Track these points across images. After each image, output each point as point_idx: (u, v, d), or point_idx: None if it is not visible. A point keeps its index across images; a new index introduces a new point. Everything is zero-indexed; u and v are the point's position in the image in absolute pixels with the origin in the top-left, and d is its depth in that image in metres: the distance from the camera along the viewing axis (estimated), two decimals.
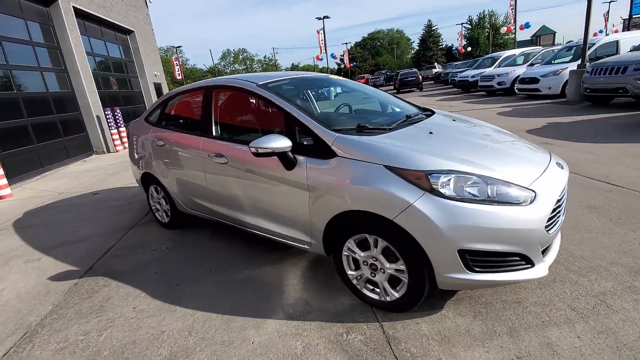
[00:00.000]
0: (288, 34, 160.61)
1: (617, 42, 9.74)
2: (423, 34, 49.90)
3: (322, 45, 24.34)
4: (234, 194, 2.60)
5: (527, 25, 26.27)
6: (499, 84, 12.59)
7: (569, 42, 13.52)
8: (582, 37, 9.29)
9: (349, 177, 1.89)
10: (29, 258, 3.31)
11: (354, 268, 2.08)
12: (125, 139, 9.96)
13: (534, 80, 10.47)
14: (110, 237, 3.59)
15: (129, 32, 12.73)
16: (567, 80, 9.56)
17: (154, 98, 13.42)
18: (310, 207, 2.10)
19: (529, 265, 1.72)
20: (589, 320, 1.78)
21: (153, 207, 3.72)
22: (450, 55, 48.87)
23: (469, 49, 42.37)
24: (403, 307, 1.94)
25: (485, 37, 49.40)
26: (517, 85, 11.27)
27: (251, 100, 2.65)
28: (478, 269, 1.69)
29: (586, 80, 7.93)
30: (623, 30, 24.44)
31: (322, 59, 28.68)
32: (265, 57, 77.38)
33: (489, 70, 13.64)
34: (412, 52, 65.10)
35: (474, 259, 1.68)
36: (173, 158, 3.13)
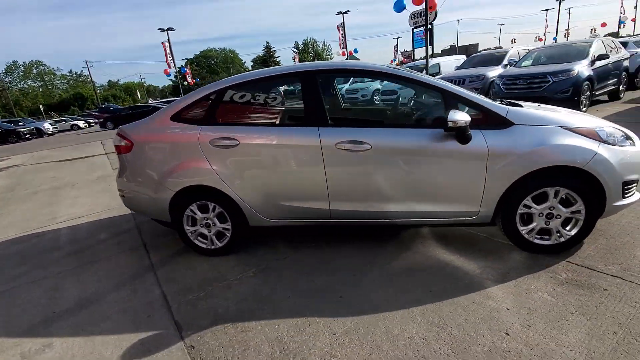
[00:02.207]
0: (104, 45, 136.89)
1: (439, 64, 13.69)
2: (263, 55, 52.73)
3: (169, 60, 22.10)
4: (377, 183, 2.41)
5: (355, 51, 31.95)
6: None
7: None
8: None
9: (532, 139, 2.18)
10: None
11: (526, 223, 2.36)
12: None
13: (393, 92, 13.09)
14: (139, 285, 2.52)
15: None
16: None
17: None
18: (487, 176, 2.25)
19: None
20: None
21: (191, 233, 2.81)
22: None
23: None
24: (570, 245, 2.36)
25: (310, 60, 56.47)
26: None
27: (372, 85, 2.53)
28: (625, 195, 2.30)
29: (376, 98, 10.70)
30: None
31: (170, 74, 25.92)
32: (71, 71, 63.53)
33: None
34: (247, 71, 67.54)
35: (624, 188, 2.28)
36: (258, 158, 2.54)
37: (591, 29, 47.38)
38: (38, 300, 2.50)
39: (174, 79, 52.10)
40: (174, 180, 2.65)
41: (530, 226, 2.35)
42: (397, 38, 48.07)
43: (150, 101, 44.53)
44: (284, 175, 2.54)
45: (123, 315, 2.21)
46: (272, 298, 2.22)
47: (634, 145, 2.33)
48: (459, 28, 64.38)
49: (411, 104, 3.06)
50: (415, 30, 26.77)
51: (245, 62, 70.11)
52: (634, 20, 37.41)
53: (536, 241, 2.38)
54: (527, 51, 10.04)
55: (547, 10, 38.02)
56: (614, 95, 8.66)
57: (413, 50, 26.21)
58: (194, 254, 2.90)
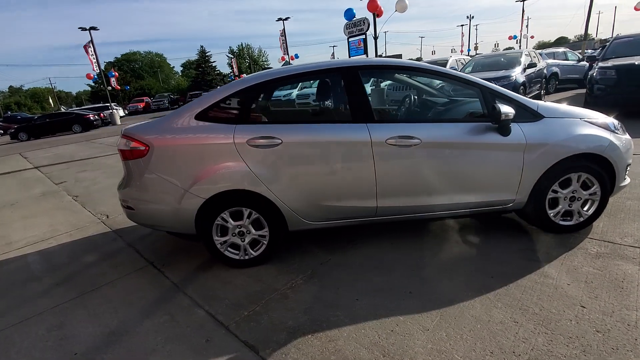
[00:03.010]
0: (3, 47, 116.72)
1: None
2: (198, 59, 49.99)
3: (93, 62, 19.70)
4: (424, 177, 2.44)
5: (296, 56, 32.17)
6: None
7: None
8: None
9: (562, 130, 2.43)
10: None
11: (553, 207, 2.59)
12: None
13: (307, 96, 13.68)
14: (174, 309, 2.19)
15: None
16: None
17: None
18: (524, 166, 2.44)
19: None
20: None
21: (221, 244, 2.53)
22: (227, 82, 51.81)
23: (243, 75, 46.66)
24: (587, 223, 2.65)
25: (246, 66, 55.38)
26: None
27: (410, 80, 2.56)
28: (626, 177, 2.67)
29: (390, 94, 11.21)
30: None
31: (95, 78, 22.98)
32: None
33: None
34: (177, 76, 63.64)
35: (626, 171, 2.64)
36: (302, 158, 2.40)
37: (495, 43, 54.53)
38: (44, 343, 2.03)
39: (94, 84, 46.96)
40: (204, 186, 2.38)
41: (557, 209, 2.59)
42: (334, 47, 50.18)
43: (64, 108, 39.37)
44: (330, 174, 2.43)
45: (174, 345, 1.90)
46: (340, 303, 2.11)
47: (626, 134, 2.72)
48: (386, 39, 68.52)
49: (425, 100, 3.17)
50: (350, 39, 28.01)
51: (174, 67, 66.12)
52: (532, 37, 44.03)
53: (561, 222, 2.63)
54: (466, 61, 11.17)
55: (462, 25, 42.94)
56: (537, 98, 10.08)
57: (349, 57, 27.34)
58: (219, 267, 2.62)
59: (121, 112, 25.55)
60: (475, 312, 1.92)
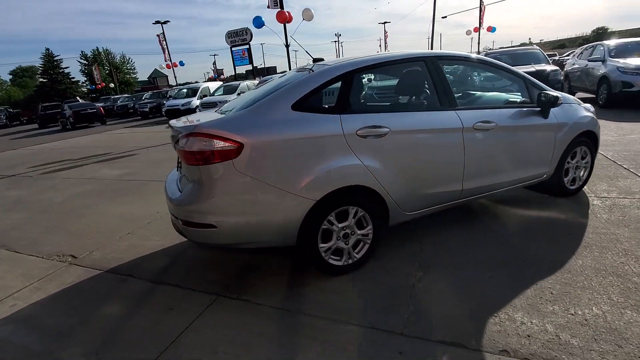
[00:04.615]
0: None
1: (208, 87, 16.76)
2: (44, 65, 39.79)
3: None
4: (495, 157, 2.68)
5: (181, 64, 29.41)
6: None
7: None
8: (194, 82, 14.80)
9: (574, 113, 3.05)
10: None
11: (566, 176, 3.19)
12: None
13: (214, 104, 13.45)
14: (317, 333, 1.82)
15: None
16: None
17: None
18: (555, 142, 2.95)
19: None
20: None
21: (325, 251, 2.19)
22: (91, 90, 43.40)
23: (112, 85, 40.07)
24: (584, 184, 3.35)
25: (106, 73, 47.77)
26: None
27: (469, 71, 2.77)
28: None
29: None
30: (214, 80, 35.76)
31: None
32: None
33: (212, 99, 14.97)
34: (7, 85, 50.19)
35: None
36: (408, 147, 2.32)
37: None
38: None
39: None
40: (313, 186, 2.05)
41: (568, 177, 3.22)
42: (214, 55, 48.17)
43: None
44: (431, 161, 2.44)
45: None
46: (478, 279, 2.13)
47: None
48: (264, 51, 69.87)
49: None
50: (234, 48, 27.62)
51: None
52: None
53: (571, 187, 3.28)
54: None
55: (336, 41, 47.32)
56: None
57: (234, 67, 26.84)
58: (310, 278, 2.31)
59: None
60: (589, 278, 2.24)
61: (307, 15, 12.57)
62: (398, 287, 2.17)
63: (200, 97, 16.33)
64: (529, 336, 1.69)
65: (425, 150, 2.41)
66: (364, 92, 2.51)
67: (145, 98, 21.95)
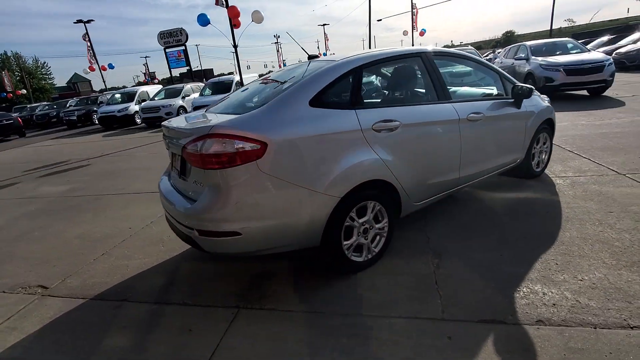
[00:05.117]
0: None
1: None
2: None
3: None
4: (483, 145, 2.88)
5: (110, 66, 26.79)
6: (167, 114, 13.31)
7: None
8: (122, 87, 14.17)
9: (538, 103, 3.40)
10: None
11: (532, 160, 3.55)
12: None
13: (156, 109, 12.84)
14: (377, 330, 1.78)
15: None
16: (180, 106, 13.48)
17: None
18: (526, 130, 3.26)
19: None
20: None
21: (347, 248, 2.16)
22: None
23: (23, 91, 35.02)
24: (546, 167, 3.76)
25: (17, 80, 41.79)
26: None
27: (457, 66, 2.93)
28: None
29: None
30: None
31: None
32: None
33: (153, 103, 13.87)
34: None
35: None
36: (416, 139, 2.39)
37: (299, 60, 62.72)
38: None
39: None
40: (339, 182, 2.02)
41: (534, 161, 3.59)
42: (146, 57, 44.81)
43: None
44: (434, 152, 2.54)
45: None
46: (495, 259, 2.28)
47: None
48: (199, 52, 66.52)
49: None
50: (168, 50, 26.16)
51: None
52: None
53: (537, 170, 3.65)
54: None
55: (276, 42, 47.01)
56: None
57: (170, 70, 25.42)
58: (331, 279, 2.26)
59: None
60: (570, 232, 2.52)
61: (257, 17, 12.25)
62: (421, 275, 2.23)
63: (139, 102, 15.09)
64: (554, 305, 1.85)
65: (430, 141, 2.51)
66: (374, 87, 2.54)
67: (70, 105, 19.66)
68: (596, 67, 8.27)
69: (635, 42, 15.49)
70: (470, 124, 2.71)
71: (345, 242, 2.18)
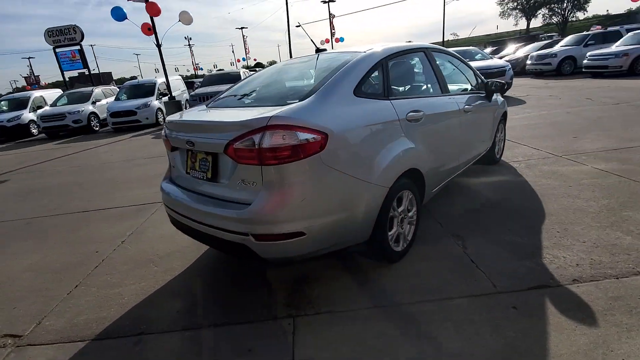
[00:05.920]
0: None
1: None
2: None
3: None
4: (471, 137, 3.19)
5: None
6: (74, 121, 11.41)
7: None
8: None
9: (498, 97, 3.87)
10: None
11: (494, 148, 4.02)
12: None
13: (132, 112, 11.19)
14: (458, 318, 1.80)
15: None
16: (158, 109, 11.68)
17: None
18: (493, 121, 3.69)
19: None
20: None
21: (390, 239, 2.15)
22: None
23: None
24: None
25: None
26: (112, 120, 11.21)
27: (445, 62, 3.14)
28: None
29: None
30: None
31: None
32: None
33: (56, 109, 11.69)
34: None
35: None
36: (436, 129, 2.52)
37: (214, 64, 60.24)
38: None
39: None
40: (387, 172, 2.02)
41: (496, 149, 4.07)
42: (30, 58, 37.76)
43: None
44: (446, 141, 2.69)
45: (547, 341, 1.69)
46: (518, 239, 2.52)
47: None
48: (95, 54, 58.59)
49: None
50: (58, 50, 22.94)
51: None
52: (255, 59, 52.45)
53: (498, 156, 4.15)
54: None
55: (189, 45, 44.12)
56: None
57: (62, 72, 22.19)
58: (367, 272, 2.25)
59: None
60: (551, 205, 2.93)
61: (185, 18, 11.29)
62: (454, 256, 2.35)
63: (33, 109, 12.67)
64: (577, 265, 2.13)
65: (444, 131, 2.67)
66: (397, 78, 2.58)
67: None
68: (500, 71, 9.80)
69: (514, 52, 18.78)
70: (465, 116, 2.96)
71: (390, 233, 2.17)
